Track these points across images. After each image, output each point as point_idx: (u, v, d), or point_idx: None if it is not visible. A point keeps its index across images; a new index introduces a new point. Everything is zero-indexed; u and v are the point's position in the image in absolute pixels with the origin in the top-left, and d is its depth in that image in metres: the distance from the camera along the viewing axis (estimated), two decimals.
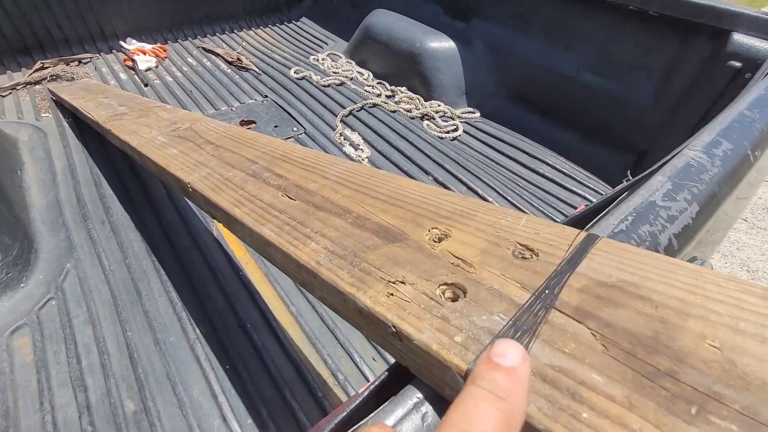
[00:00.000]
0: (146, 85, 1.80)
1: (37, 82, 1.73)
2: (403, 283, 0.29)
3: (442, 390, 0.26)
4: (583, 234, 0.31)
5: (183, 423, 0.78)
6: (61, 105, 1.52)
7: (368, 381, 0.87)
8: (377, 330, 0.28)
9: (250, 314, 0.97)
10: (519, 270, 0.29)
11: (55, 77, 1.77)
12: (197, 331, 0.93)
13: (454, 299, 0.27)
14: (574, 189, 1.37)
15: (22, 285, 1.02)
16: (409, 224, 0.36)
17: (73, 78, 1.78)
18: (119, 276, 1.03)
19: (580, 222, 0.45)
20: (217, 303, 0.99)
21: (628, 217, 0.41)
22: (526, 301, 0.26)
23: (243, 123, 1.58)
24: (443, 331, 0.25)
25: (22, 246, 1.06)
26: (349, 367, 0.89)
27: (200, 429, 0.78)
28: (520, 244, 0.31)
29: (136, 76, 1.86)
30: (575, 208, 1.25)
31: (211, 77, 1.89)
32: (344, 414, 0.29)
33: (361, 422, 0.27)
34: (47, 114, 1.56)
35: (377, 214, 0.38)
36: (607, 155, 1.49)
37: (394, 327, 0.26)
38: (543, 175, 1.43)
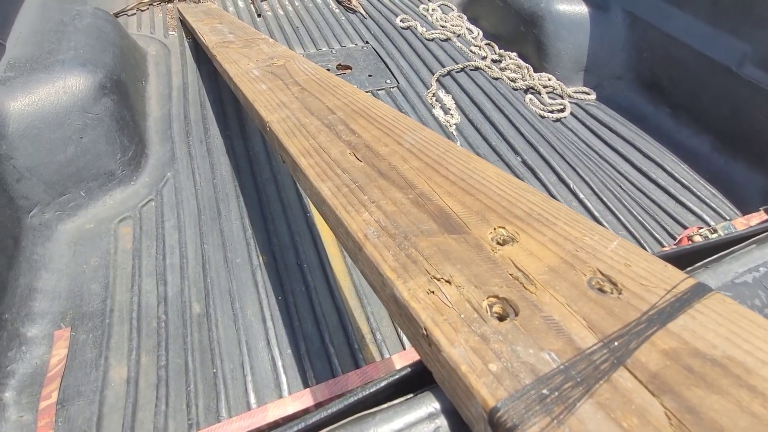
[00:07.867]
0: (259, 16, 1.86)
1: (169, 0, 1.88)
2: (448, 282, 0.26)
3: (462, 410, 0.23)
4: (691, 281, 0.24)
5: (234, 336, 0.87)
6: (184, 25, 1.65)
7: (404, 349, 0.87)
8: (408, 324, 0.26)
9: (309, 255, 1.02)
10: (591, 305, 0.24)
11: None
12: (260, 258, 1.00)
13: (502, 318, 0.24)
14: (690, 205, 1.16)
15: (132, 183, 1.18)
16: (474, 216, 0.32)
17: (199, 0, 1.90)
18: (206, 193, 1.14)
19: (687, 258, 0.36)
20: (282, 237, 1.05)
21: (760, 268, 0.32)
22: (590, 347, 0.21)
23: (339, 67, 1.57)
24: (478, 353, 0.22)
25: (137, 150, 1.22)
26: (389, 329, 0.90)
27: (247, 345, 0.86)
28: (602, 273, 0.26)
29: (252, 5, 1.93)
30: (685, 227, 1.06)
31: (318, 15, 1.89)
32: (358, 396, 0.28)
33: (375, 409, 0.26)
34: (173, 32, 1.70)
35: (441, 195, 0.34)
36: (746, 172, 1.22)
37: (425, 330, 0.24)
38: (654, 182, 1.23)
